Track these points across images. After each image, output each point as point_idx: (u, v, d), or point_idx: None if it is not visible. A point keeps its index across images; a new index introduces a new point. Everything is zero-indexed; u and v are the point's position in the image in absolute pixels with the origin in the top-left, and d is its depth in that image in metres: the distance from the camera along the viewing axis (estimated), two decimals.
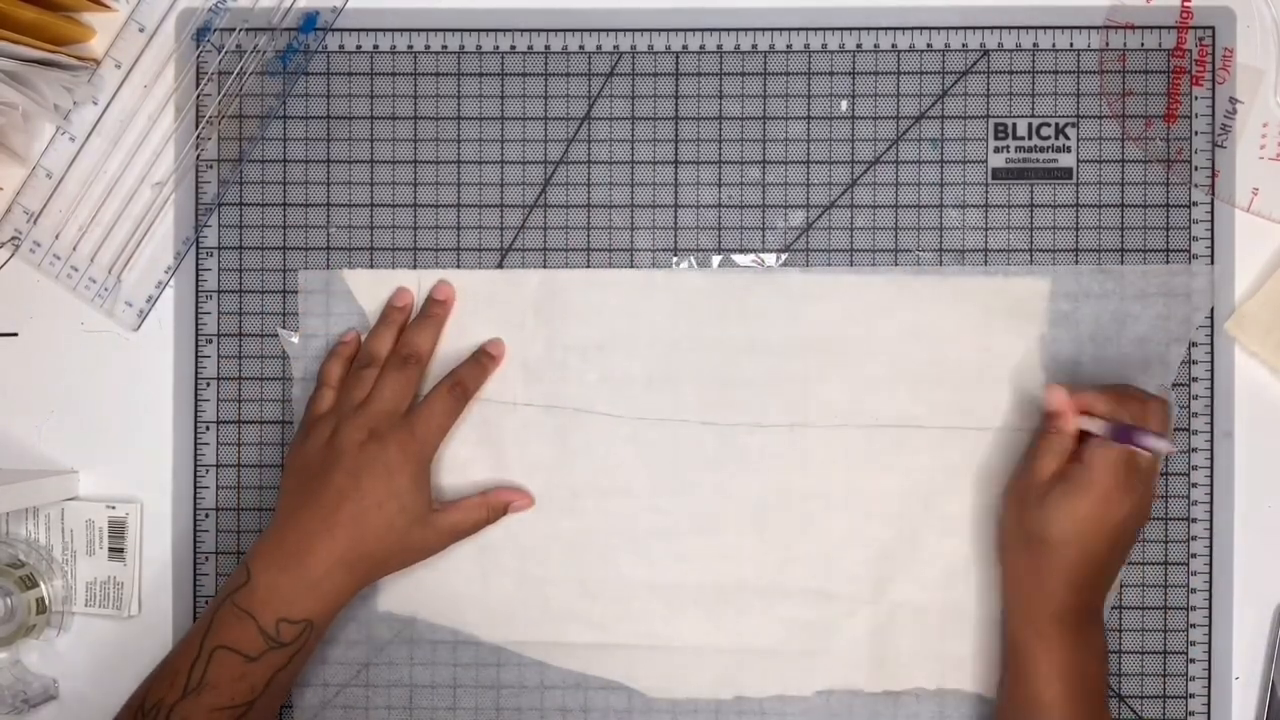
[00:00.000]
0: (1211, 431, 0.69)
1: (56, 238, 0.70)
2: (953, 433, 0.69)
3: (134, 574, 0.71)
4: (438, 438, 0.66)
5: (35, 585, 0.70)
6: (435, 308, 0.69)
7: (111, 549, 0.71)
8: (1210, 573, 0.69)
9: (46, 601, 0.70)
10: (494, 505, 0.68)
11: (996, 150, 0.69)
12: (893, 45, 0.69)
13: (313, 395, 0.69)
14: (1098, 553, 0.61)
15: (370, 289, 0.71)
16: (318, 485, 0.64)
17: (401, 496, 0.64)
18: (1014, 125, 0.69)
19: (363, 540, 0.63)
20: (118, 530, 0.70)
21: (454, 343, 0.70)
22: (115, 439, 0.71)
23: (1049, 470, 0.62)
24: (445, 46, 0.70)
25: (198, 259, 0.71)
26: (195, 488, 0.71)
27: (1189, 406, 0.69)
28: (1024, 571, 0.63)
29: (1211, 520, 0.69)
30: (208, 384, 0.71)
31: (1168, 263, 0.69)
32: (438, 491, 0.69)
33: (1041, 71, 0.69)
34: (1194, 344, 0.69)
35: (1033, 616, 0.62)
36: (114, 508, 0.71)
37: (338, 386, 0.68)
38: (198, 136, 0.71)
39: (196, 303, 0.71)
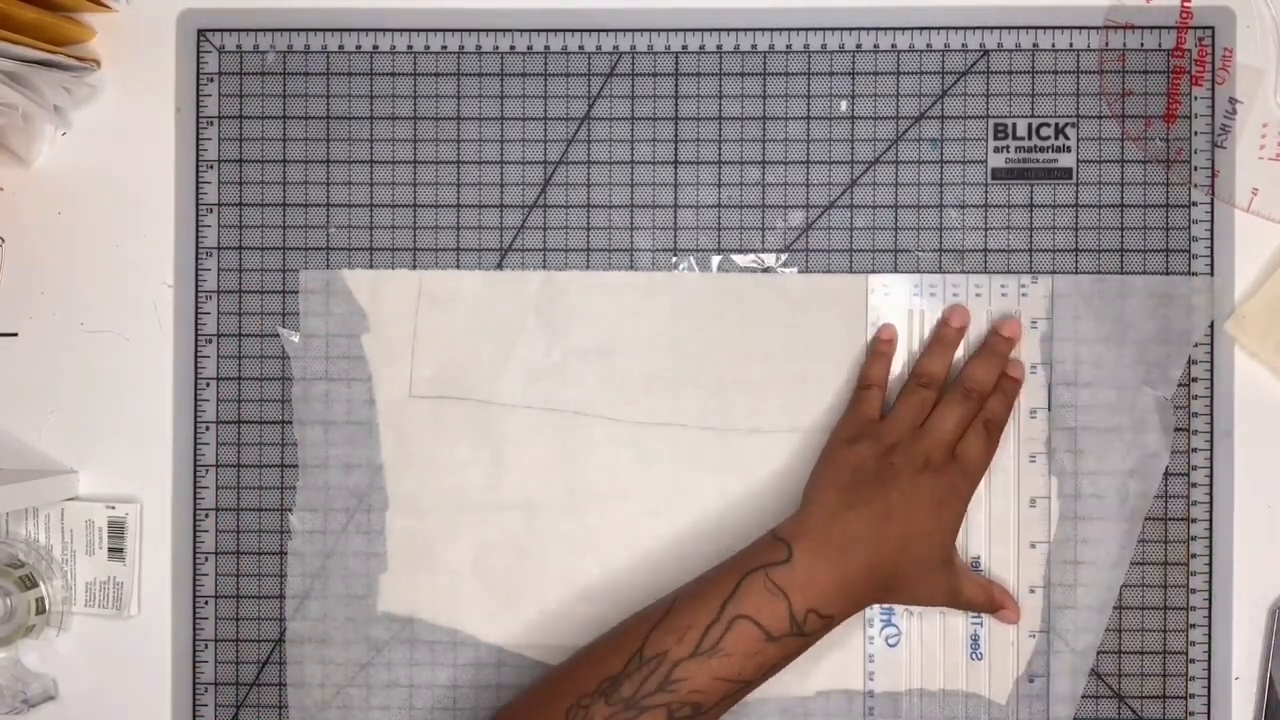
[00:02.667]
0: (1211, 431, 0.69)
1: None
2: None
3: (134, 574, 0.71)
4: (980, 478, 0.66)
5: (35, 585, 0.70)
6: (999, 344, 0.68)
7: (111, 549, 0.71)
8: (1210, 573, 0.69)
9: (46, 601, 0.70)
10: (995, 599, 0.67)
11: (996, 150, 0.69)
12: (893, 45, 0.69)
13: (859, 394, 0.68)
14: None
15: (370, 289, 0.71)
16: (870, 493, 0.63)
17: (944, 534, 0.64)
18: (1014, 125, 0.69)
19: (900, 562, 0.63)
20: (117, 530, 0.70)
21: (456, 343, 0.70)
22: (115, 439, 0.71)
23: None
24: (445, 46, 0.70)
25: (198, 259, 0.71)
26: (195, 488, 0.71)
27: (1189, 406, 0.69)
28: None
29: (1211, 520, 0.69)
30: (208, 384, 0.71)
31: (1167, 262, 0.69)
32: (438, 487, 0.70)
33: (1041, 71, 0.69)
34: (1194, 344, 0.69)
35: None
36: (113, 508, 0.71)
37: (884, 386, 0.68)
38: (198, 136, 0.71)
39: (196, 303, 0.71)
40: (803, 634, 0.60)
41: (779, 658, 0.61)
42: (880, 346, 0.68)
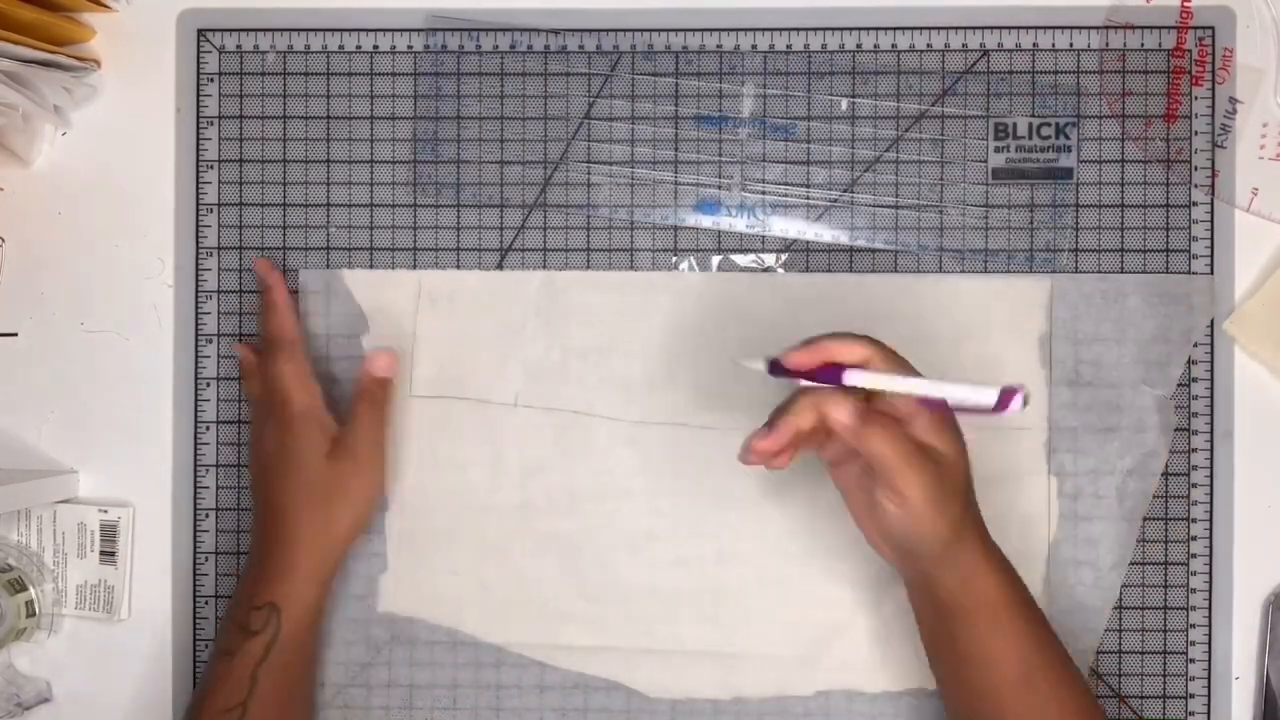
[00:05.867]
0: (1211, 431, 0.69)
1: None
2: None
3: (125, 577, 0.71)
4: (287, 384, 0.66)
5: (24, 589, 0.69)
6: (373, 386, 0.68)
7: (103, 552, 0.70)
8: (1210, 573, 0.69)
9: (36, 605, 0.70)
10: (361, 385, 0.67)
11: (997, 150, 0.69)
12: (893, 45, 0.69)
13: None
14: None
15: (370, 289, 0.71)
16: (271, 480, 0.66)
17: (284, 441, 0.65)
18: (1014, 125, 0.69)
19: (278, 497, 0.65)
20: (109, 534, 0.70)
21: (456, 343, 0.70)
22: (115, 439, 0.71)
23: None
24: (445, 46, 0.70)
25: (198, 259, 0.71)
26: (195, 488, 0.71)
27: (1189, 406, 0.69)
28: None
29: (1211, 520, 0.69)
30: (208, 384, 0.71)
31: (1167, 262, 0.69)
32: (438, 487, 0.70)
33: (1041, 71, 0.69)
34: (1194, 344, 0.69)
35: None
36: (106, 511, 0.70)
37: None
38: (198, 136, 0.71)
39: (196, 303, 0.71)
40: (253, 633, 0.64)
41: (249, 665, 0.64)
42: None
